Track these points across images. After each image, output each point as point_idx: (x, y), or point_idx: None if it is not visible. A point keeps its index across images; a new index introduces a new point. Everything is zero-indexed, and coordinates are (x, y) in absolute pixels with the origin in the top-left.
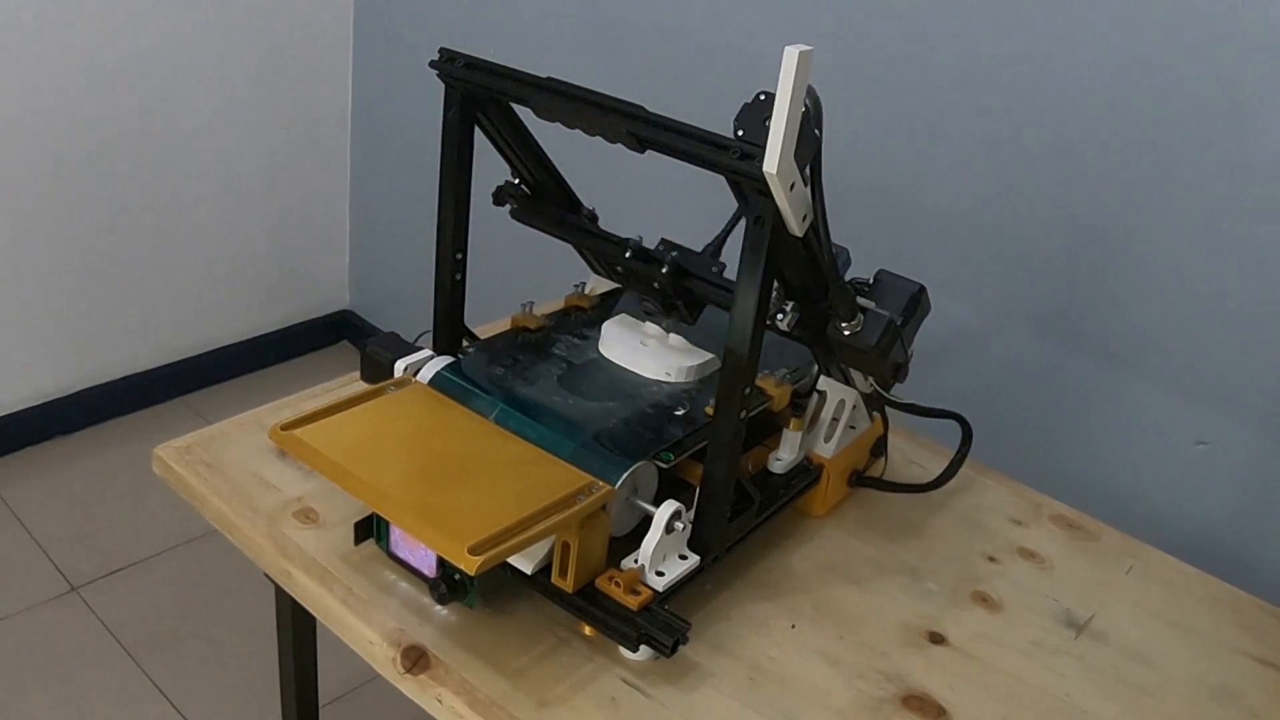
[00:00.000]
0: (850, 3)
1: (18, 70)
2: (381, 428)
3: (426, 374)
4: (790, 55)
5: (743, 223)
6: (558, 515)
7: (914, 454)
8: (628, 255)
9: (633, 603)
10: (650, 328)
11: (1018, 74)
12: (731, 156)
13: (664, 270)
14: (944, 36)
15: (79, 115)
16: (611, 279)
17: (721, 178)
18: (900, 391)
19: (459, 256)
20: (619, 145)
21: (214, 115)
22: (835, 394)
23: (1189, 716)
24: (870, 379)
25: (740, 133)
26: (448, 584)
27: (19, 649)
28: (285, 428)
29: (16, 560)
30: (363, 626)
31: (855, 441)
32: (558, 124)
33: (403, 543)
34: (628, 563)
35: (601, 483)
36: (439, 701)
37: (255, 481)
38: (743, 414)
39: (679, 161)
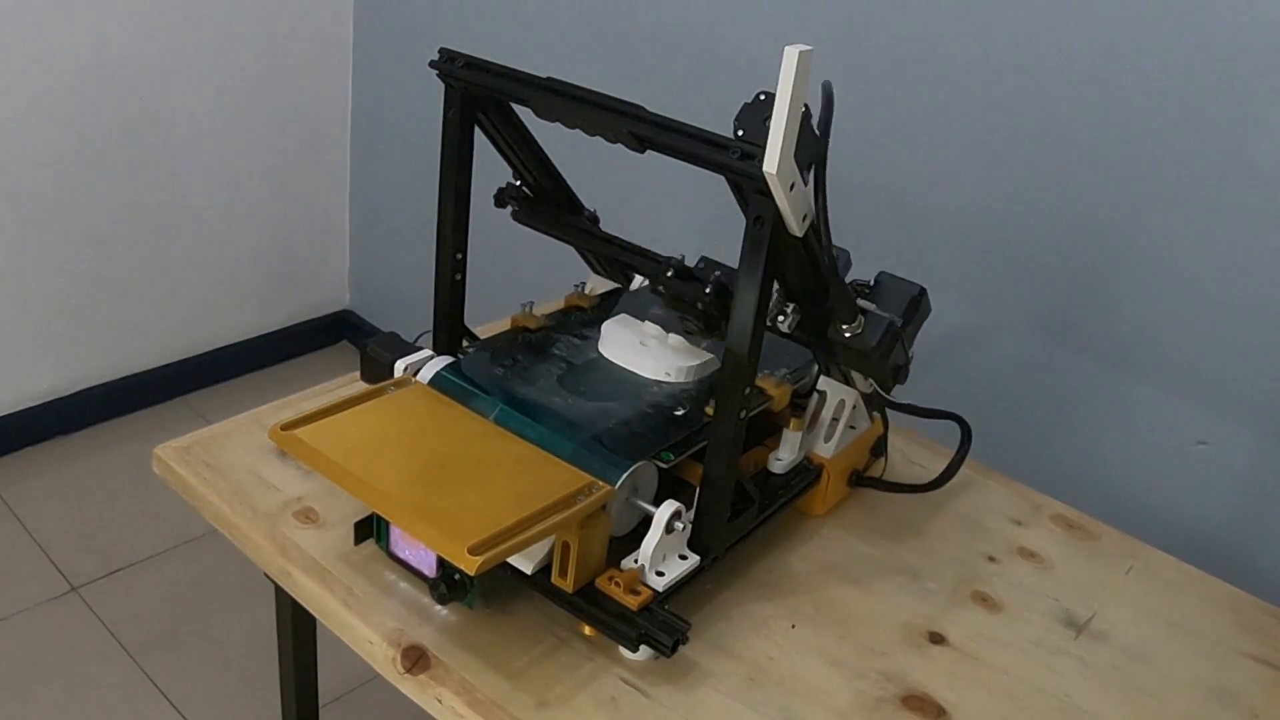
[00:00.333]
0: (851, 3)
1: (18, 71)
2: (381, 428)
3: (426, 374)
4: (790, 55)
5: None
6: (558, 515)
7: (914, 454)
8: (670, 275)
9: (633, 603)
10: (650, 327)
11: (1017, 75)
12: (731, 156)
13: (707, 290)
14: (943, 37)
15: (79, 115)
16: (613, 281)
17: (721, 178)
18: (900, 391)
19: (459, 256)
20: (619, 145)
21: (213, 115)
22: (835, 394)
23: (1189, 716)
24: (870, 380)
25: (740, 133)
26: (448, 584)
27: (19, 649)
28: (285, 428)
29: (16, 560)
30: (363, 626)
31: (855, 441)
32: (558, 124)
33: (403, 543)
34: (628, 563)
35: (601, 483)
36: (439, 701)
37: (255, 481)
38: (743, 414)
39: (679, 161)
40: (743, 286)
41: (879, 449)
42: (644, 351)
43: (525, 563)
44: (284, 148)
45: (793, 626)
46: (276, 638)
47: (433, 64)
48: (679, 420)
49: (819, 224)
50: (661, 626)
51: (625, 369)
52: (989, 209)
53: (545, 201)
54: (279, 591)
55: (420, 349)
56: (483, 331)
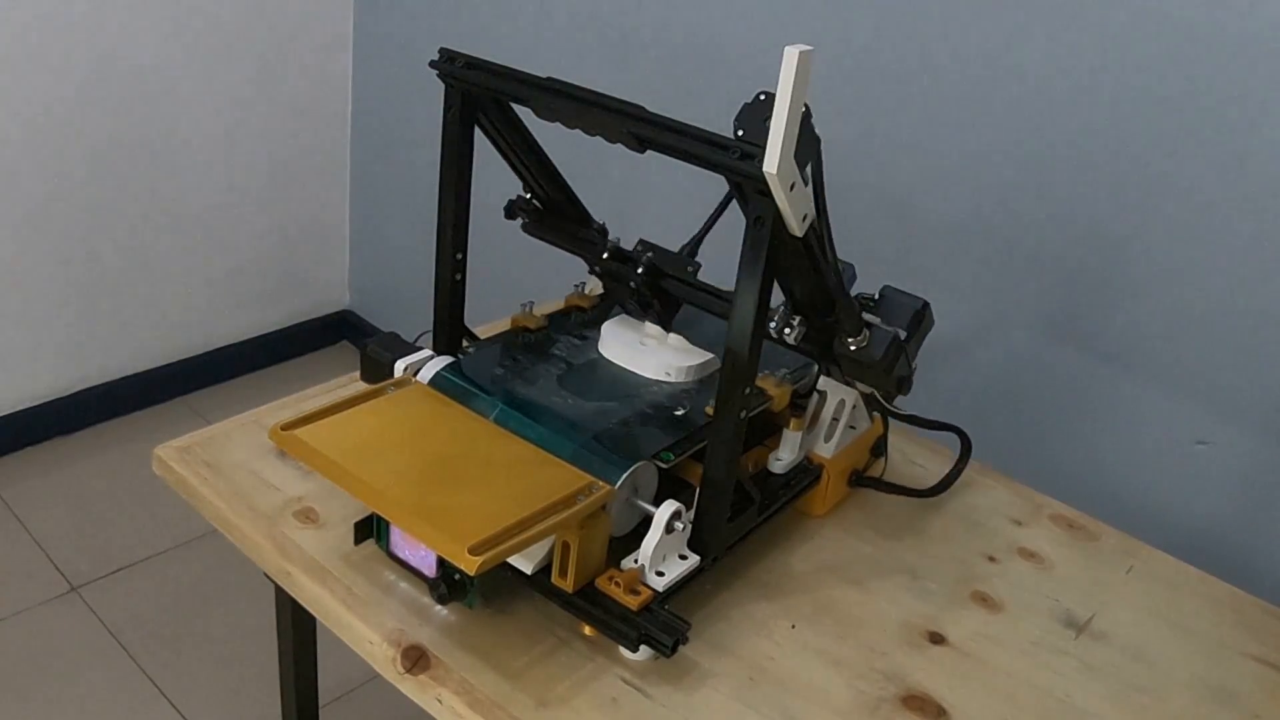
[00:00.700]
0: (851, 5)
1: (18, 72)
2: (381, 428)
3: (426, 374)
4: (790, 55)
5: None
6: (558, 515)
7: (914, 454)
8: (605, 256)
9: (633, 603)
10: (650, 328)
11: (1016, 79)
12: (731, 156)
13: (639, 270)
14: (944, 40)
15: (78, 115)
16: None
17: (721, 178)
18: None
19: (459, 256)
20: (619, 145)
21: (213, 115)
22: (835, 394)
23: (1189, 716)
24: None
25: (740, 133)
26: (448, 584)
27: (19, 649)
28: (285, 428)
29: (16, 560)
30: (363, 626)
31: (855, 441)
32: (558, 124)
33: (403, 543)
34: (628, 563)
35: (601, 483)
36: (439, 701)
37: (255, 481)
38: (743, 414)
39: (679, 162)
40: (743, 287)
41: (879, 449)
42: (644, 351)
43: (525, 563)
44: (284, 148)
45: (793, 626)
46: (276, 638)
47: (433, 64)
48: (679, 420)
49: (821, 232)
50: (661, 626)
51: (625, 369)
52: (989, 210)
53: (555, 213)
54: (279, 591)
55: (420, 349)
56: (483, 331)
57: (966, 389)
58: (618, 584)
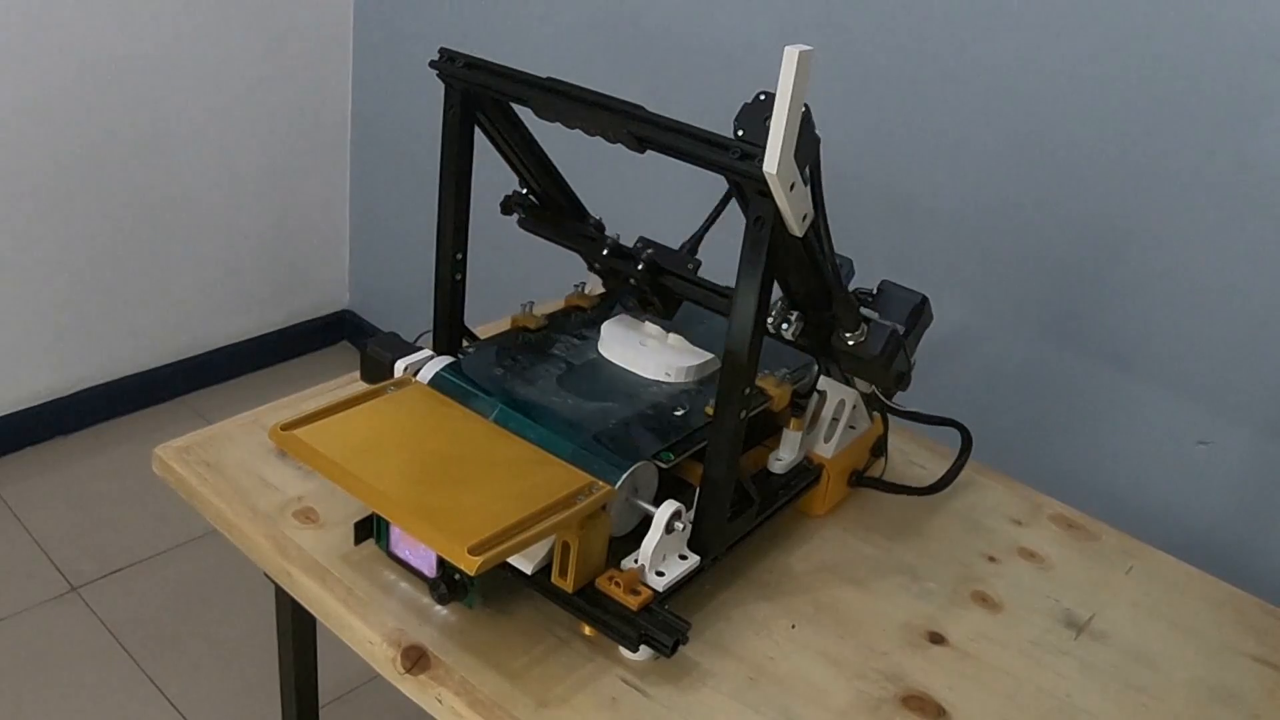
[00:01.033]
0: (852, 4)
1: (17, 72)
2: (381, 428)
3: (426, 374)
4: (790, 55)
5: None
6: (558, 515)
7: (914, 454)
8: (605, 252)
9: (633, 603)
10: (650, 328)
11: (1016, 76)
12: (731, 156)
13: (639, 267)
14: (943, 39)
15: (78, 115)
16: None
17: (722, 178)
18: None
19: (459, 256)
20: (619, 145)
21: (213, 115)
22: (835, 394)
23: (1189, 717)
24: (873, 387)
25: (740, 133)
26: (448, 584)
27: (19, 649)
28: (285, 428)
29: (16, 560)
30: (363, 626)
31: (855, 441)
32: (558, 124)
33: (403, 543)
34: (628, 563)
35: (601, 483)
36: (439, 701)
37: (255, 481)
38: (743, 414)
39: (679, 161)
40: (743, 287)
41: (879, 449)
42: (644, 351)
43: (525, 563)
44: (284, 148)
45: (793, 626)
46: (276, 638)
47: (433, 64)
48: (679, 420)
49: (820, 229)
50: (661, 626)
51: (625, 369)
52: (990, 210)
53: (551, 209)
54: (279, 591)
55: (420, 349)
56: (483, 331)
57: (966, 388)
58: (618, 584)
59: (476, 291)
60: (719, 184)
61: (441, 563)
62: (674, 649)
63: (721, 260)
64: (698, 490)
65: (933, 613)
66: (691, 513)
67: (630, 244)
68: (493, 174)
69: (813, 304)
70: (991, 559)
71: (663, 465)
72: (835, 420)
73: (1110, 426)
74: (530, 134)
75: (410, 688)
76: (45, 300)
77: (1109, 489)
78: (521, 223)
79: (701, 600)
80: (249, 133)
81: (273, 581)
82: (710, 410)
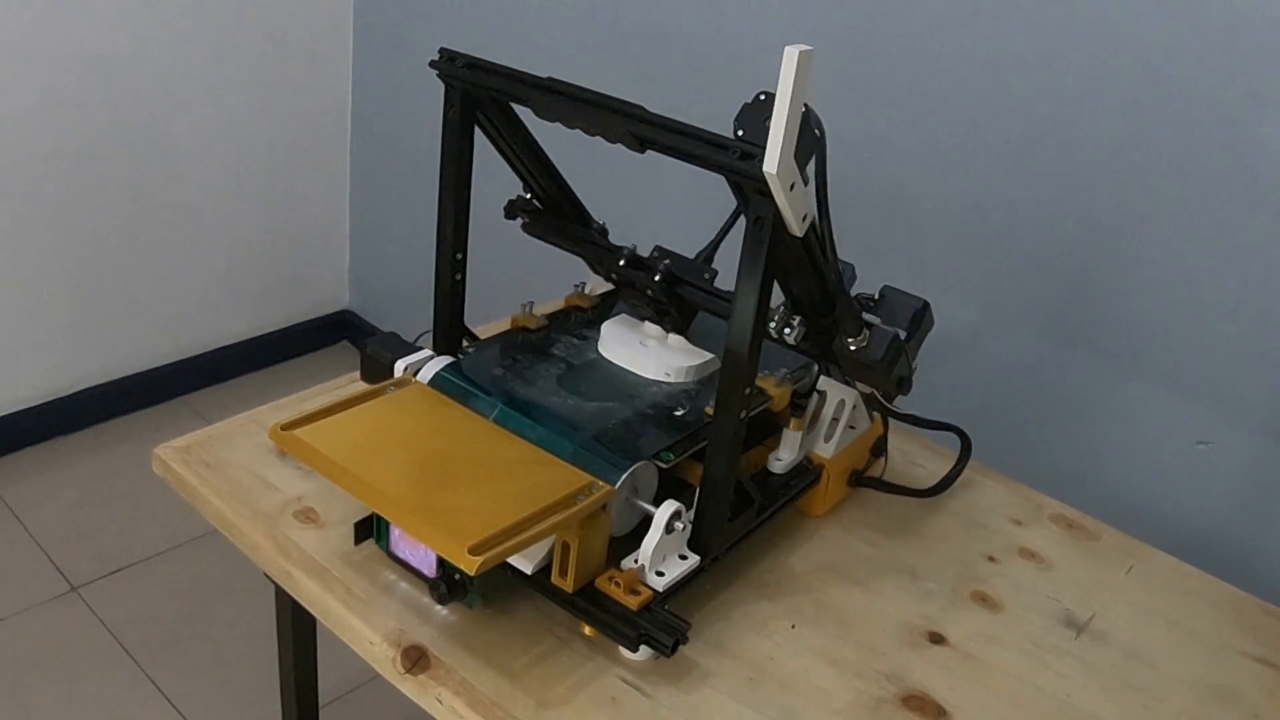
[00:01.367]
0: (852, 4)
1: (18, 73)
2: (381, 428)
3: (426, 374)
4: (790, 55)
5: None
6: (558, 515)
7: (914, 454)
8: (621, 263)
9: (633, 603)
10: (650, 328)
11: (1016, 77)
12: (731, 156)
13: (656, 278)
14: (943, 38)
15: (78, 115)
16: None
17: (722, 178)
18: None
19: (459, 256)
20: (619, 145)
21: (213, 115)
22: (835, 394)
23: (1189, 716)
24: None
25: (740, 133)
26: (448, 584)
27: (19, 649)
28: (285, 428)
29: (16, 560)
30: (363, 626)
31: (855, 441)
32: (558, 124)
33: (403, 543)
34: (628, 563)
35: (601, 483)
36: (439, 701)
37: (255, 481)
38: (743, 414)
39: (680, 162)
40: (743, 287)
41: (879, 449)
42: (644, 351)
43: (525, 563)
44: (284, 148)
45: (793, 626)
46: (276, 638)
47: (433, 64)
48: (679, 420)
49: (822, 234)
50: (661, 626)
51: (625, 369)
52: (990, 210)
53: (554, 212)
54: (279, 591)
55: (420, 349)
56: (483, 331)
57: (966, 389)
58: (618, 584)
59: (476, 291)
60: (720, 185)
61: (441, 563)
62: (674, 649)
63: (722, 261)
64: (698, 490)
65: (933, 613)
66: (691, 513)
67: (632, 247)
68: (493, 174)
69: (815, 309)
70: (991, 559)
71: (663, 465)
72: (835, 420)
73: (1110, 426)
74: (530, 134)
75: (410, 688)
76: (45, 300)
77: (1109, 489)
78: (525, 227)
79: (701, 600)
80: (249, 132)
81: (273, 581)
82: (710, 410)
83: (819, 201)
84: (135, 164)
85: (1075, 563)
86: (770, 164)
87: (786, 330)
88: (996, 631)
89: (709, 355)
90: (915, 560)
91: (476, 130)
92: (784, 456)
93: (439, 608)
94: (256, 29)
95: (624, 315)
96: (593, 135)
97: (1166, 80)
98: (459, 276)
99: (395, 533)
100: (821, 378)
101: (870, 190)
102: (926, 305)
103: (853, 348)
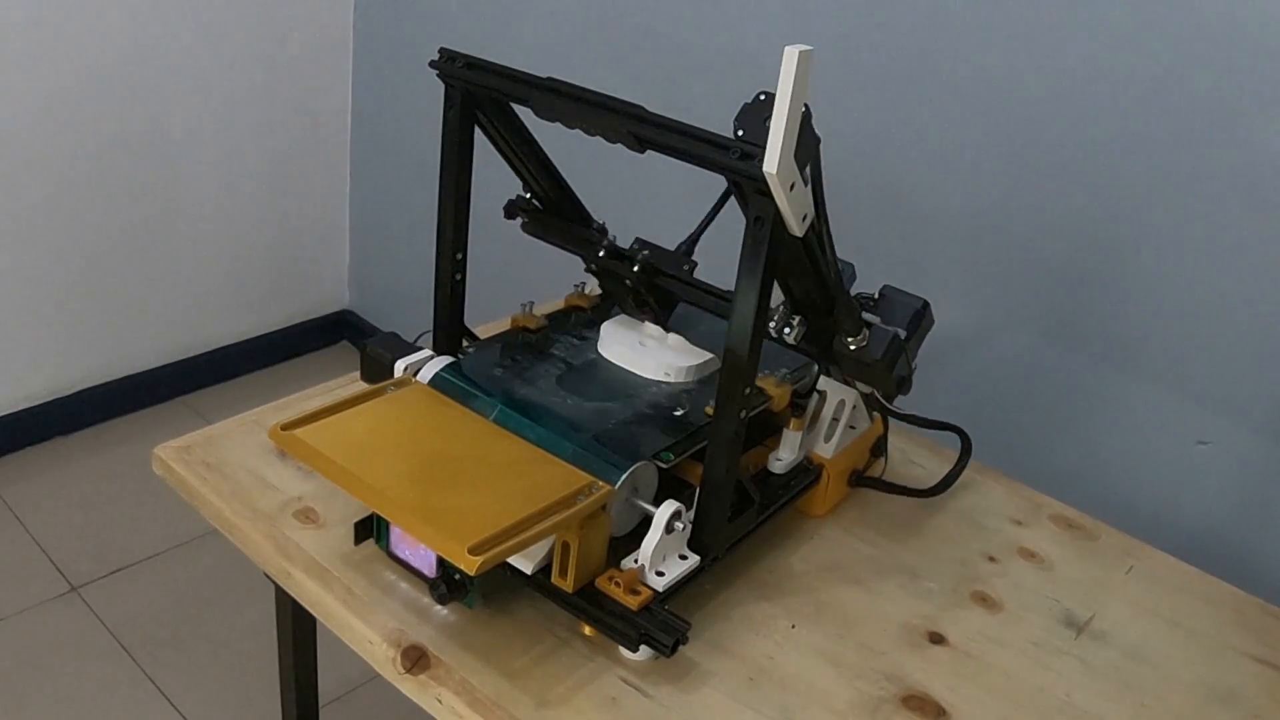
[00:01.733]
0: (852, 5)
1: (18, 72)
2: (381, 428)
3: (426, 374)
4: (790, 55)
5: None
6: (558, 515)
7: (914, 454)
8: (601, 254)
9: (633, 603)
10: (650, 328)
11: (1016, 77)
12: (731, 156)
13: (635, 268)
14: (943, 40)
15: (78, 115)
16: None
17: (722, 178)
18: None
19: (459, 256)
20: (619, 145)
21: (214, 115)
22: (835, 394)
23: (1189, 717)
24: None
25: (740, 133)
26: (448, 584)
27: (19, 649)
28: (285, 428)
29: (16, 560)
30: (363, 626)
31: (855, 441)
32: (558, 125)
33: (403, 543)
34: (628, 563)
35: (601, 483)
36: (439, 701)
37: (255, 481)
38: (743, 414)
39: (680, 162)
40: (743, 287)
41: (879, 449)
42: (643, 352)
43: (525, 563)
44: (284, 148)
45: (793, 626)
46: (276, 638)
47: (433, 64)
48: (679, 420)
49: (821, 233)
50: (661, 626)
51: (625, 369)
52: (990, 210)
53: (554, 212)
54: (279, 591)
55: (420, 349)
56: (483, 331)
57: (966, 389)
58: (618, 584)
59: (476, 291)
60: (718, 184)
61: (441, 563)
62: (674, 649)
63: (721, 261)
64: (698, 490)
65: (933, 613)
66: (691, 513)
67: (612, 238)
68: (493, 174)
69: (814, 309)
70: (991, 559)
71: (663, 465)
72: (835, 420)
73: (1110, 426)
74: (530, 134)
75: (410, 688)
76: (45, 300)
77: (1109, 489)
78: (525, 227)
79: (701, 600)
80: (249, 133)
81: (273, 581)
82: (710, 410)
83: (816, 198)
84: (136, 164)
85: (1075, 563)
86: (770, 164)
87: (786, 330)
88: (996, 631)
89: (709, 355)
90: (915, 560)
91: (476, 130)
92: (784, 456)
93: (439, 608)
94: (257, 30)
95: (624, 315)
96: (593, 135)
97: (1166, 80)
98: (459, 276)
99: (395, 533)
100: (821, 378)
101: (870, 190)
102: (926, 305)
103: (852, 347)
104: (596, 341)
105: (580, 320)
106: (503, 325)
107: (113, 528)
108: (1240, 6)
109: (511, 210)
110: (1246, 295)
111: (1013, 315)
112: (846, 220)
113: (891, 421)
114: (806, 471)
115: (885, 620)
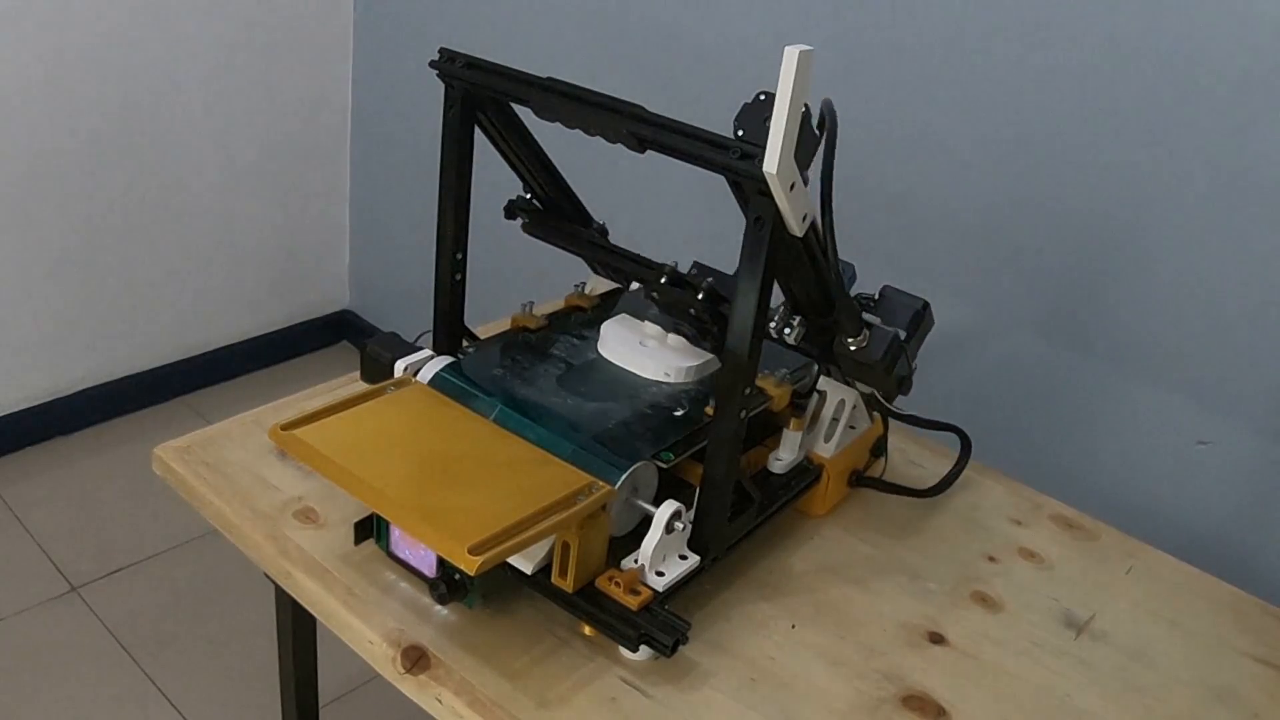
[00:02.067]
0: (851, 5)
1: (17, 72)
2: (381, 428)
3: (426, 374)
4: (790, 55)
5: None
6: (558, 515)
7: (914, 454)
8: (663, 281)
9: (633, 603)
10: (650, 328)
11: (1015, 77)
12: (731, 156)
13: (699, 296)
14: (942, 39)
15: (79, 116)
16: (615, 282)
17: (721, 178)
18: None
19: (459, 256)
20: (619, 145)
21: (213, 115)
22: (835, 394)
23: (1189, 717)
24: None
25: (740, 133)
26: (448, 584)
27: (19, 649)
28: (285, 428)
29: (16, 560)
30: (363, 626)
31: (855, 441)
32: (558, 125)
33: (403, 543)
34: (628, 563)
35: (601, 483)
36: (439, 701)
37: (255, 481)
38: (743, 414)
39: (680, 162)
40: (742, 287)
41: (879, 449)
42: (644, 352)
43: (525, 563)
44: (284, 147)
45: (793, 626)
46: (276, 638)
47: (433, 64)
48: (679, 420)
49: (823, 235)
50: (661, 626)
51: (625, 369)
52: (990, 210)
53: (554, 213)
54: (279, 591)
55: (420, 349)
56: (483, 331)
57: (966, 389)
58: (618, 584)
59: (476, 291)
60: (719, 184)
61: (441, 563)
62: (674, 649)
63: (721, 261)
64: (698, 490)
65: (933, 613)
66: (691, 513)
67: (673, 264)
68: (493, 174)
69: (814, 309)
70: (991, 559)
71: (663, 465)
72: (835, 420)
73: (1110, 426)
74: (530, 134)
75: (410, 688)
76: (46, 300)
77: (1109, 489)
78: (525, 227)
79: (701, 600)
80: (249, 132)
81: (273, 581)
82: (710, 410)
83: (823, 199)
84: (135, 164)
85: (1075, 563)
86: (770, 164)
87: (786, 330)
88: (996, 631)
89: (709, 355)
90: (915, 560)
91: (476, 130)
92: (784, 456)
93: (439, 608)
94: (257, 29)
95: (624, 315)
96: (593, 135)
97: (1166, 80)
98: (459, 276)
99: (395, 533)
100: (821, 378)
101: (870, 190)
102: (926, 305)
103: (852, 348)
104: (597, 341)
105: (580, 320)
106: (503, 325)
107: (113, 528)
108: (1240, 6)
109: (511, 210)
110: (1247, 295)
111: (1013, 315)
112: (847, 220)
113: (891, 421)
114: (806, 471)
115: (885, 620)
